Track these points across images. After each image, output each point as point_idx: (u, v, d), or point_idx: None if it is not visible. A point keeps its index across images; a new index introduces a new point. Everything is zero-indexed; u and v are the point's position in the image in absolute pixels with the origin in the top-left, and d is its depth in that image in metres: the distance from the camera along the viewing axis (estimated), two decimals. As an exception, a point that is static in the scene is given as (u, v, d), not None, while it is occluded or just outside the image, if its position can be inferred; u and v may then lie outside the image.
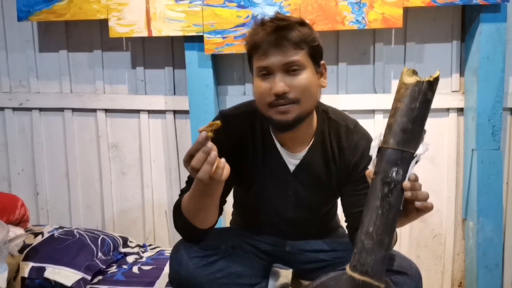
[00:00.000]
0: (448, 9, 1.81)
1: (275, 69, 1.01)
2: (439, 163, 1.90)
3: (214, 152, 0.89)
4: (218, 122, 0.92)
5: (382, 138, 0.86)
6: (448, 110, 1.86)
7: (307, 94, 1.03)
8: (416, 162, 0.84)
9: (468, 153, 1.81)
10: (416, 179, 0.84)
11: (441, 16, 1.83)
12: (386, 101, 1.84)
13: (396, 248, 1.11)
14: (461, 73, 1.85)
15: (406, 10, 1.72)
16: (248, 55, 1.08)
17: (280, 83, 1.00)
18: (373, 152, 0.87)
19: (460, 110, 1.86)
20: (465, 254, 1.90)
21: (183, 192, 1.12)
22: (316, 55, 1.06)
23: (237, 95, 1.95)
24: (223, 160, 0.93)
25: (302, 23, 1.04)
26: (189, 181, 1.15)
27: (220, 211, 1.14)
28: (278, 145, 1.15)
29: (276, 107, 1.02)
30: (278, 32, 1.00)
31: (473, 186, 1.79)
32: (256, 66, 1.04)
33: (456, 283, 1.94)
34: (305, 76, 1.03)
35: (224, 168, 0.92)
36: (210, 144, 0.89)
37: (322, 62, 1.09)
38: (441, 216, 1.92)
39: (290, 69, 1.01)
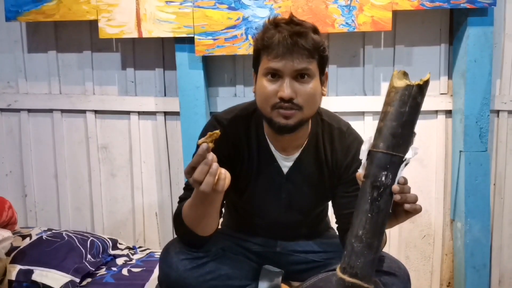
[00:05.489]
0: (437, 12, 1.84)
1: (285, 74, 1.01)
2: (427, 165, 1.92)
3: (216, 164, 0.90)
4: (217, 132, 0.92)
5: (372, 141, 0.87)
6: (436, 112, 1.89)
7: (311, 102, 1.04)
8: (406, 165, 0.85)
9: (456, 154, 1.83)
10: (405, 182, 0.85)
11: (429, 19, 1.85)
12: (375, 103, 1.86)
13: (385, 249, 1.13)
14: (449, 76, 1.88)
15: (395, 13, 1.74)
16: (256, 52, 1.07)
17: (288, 89, 1.01)
18: (363, 155, 0.88)
19: (448, 112, 1.88)
20: (454, 255, 1.92)
21: (182, 199, 1.12)
22: (323, 65, 1.07)
23: (228, 96, 1.95)
24: (223, 170, 0.93)
25: (315, 31, 1.04)
26: (187, 188, 1.15)
27: (220, 215, 1.14)
28: (272, 148, 1.16)
29: (279, 110, 1.03)
30: (294, 38, 0.99)
31: (461, 188, 1.81)
32: (265, 66, 1.03)
33: (444, 284, 1.97)
34: (313, 85, 1.03)
35: (225, 178, 0.93)
36: (211, 155, 0.89)
37: (326, 71, 1.10)
38: (430, 217, 1.94)
39: (300, 76, 1.02)
